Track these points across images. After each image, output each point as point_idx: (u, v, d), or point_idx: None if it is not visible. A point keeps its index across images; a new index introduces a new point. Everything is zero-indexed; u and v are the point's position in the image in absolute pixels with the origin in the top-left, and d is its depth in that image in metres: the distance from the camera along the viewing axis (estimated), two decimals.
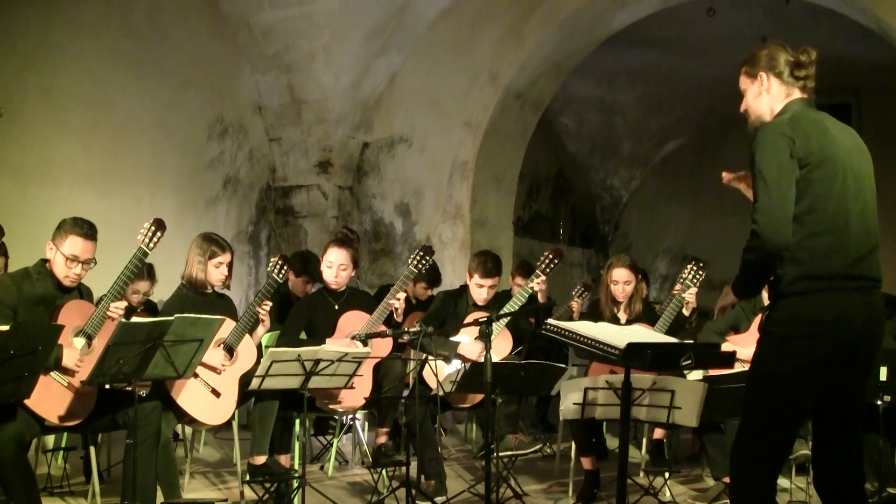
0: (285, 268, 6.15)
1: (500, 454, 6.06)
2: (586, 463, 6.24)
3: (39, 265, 5.22)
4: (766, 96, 3.93)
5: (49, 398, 4.94)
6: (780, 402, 3.67)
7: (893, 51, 8.90)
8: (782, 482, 6.40)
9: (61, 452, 6.54)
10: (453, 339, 6.54)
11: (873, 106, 13.17)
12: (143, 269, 6.57)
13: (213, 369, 5.70)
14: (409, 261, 6.58)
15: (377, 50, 9.83)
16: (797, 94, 3.90)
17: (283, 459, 6.07)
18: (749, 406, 3.78)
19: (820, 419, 3.85)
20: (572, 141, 14.51)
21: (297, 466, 6.20)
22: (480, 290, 6.71)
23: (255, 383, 5.47)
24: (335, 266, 6.51)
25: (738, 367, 5.33)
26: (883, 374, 5.45)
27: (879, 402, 5.47)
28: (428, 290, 8.55)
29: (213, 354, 5.66)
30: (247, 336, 5.90)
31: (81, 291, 5.36)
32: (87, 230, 5.18)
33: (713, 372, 5.76)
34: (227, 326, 5.74)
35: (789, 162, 3.63)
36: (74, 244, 5.13)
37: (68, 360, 4.97)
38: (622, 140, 14.52)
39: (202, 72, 9.39)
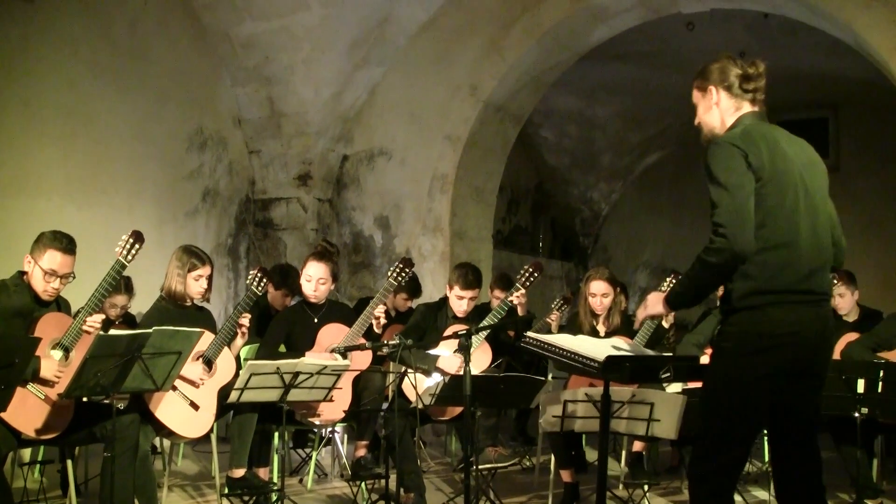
0: (264, 280, 6.14)
1: (480, 467, 6.06)
2: (565, 476, 6.25)
3: (17, 277, 5.19)
4: (717, 109, 3.95)
5: (26, 411, 4.91)
6: (735, 417, 3.68)
7: (871, 66, 8.96)
8: (761, 494, 6.44)
9: (38, 466, 6.50)
10: (433, 351, 6.54)
11: (851, 121, 13.25)
12: (120, 283, 6.54)
13: (192, 382, 5.68)
14: (389, 273, 6.58)
15: (357, 63, 9.84)
16: (747, 106, 3.92)
17: (262, 472, 6.06)
18: (704, 421, 3.78)
19: (776, 434, 3.87)
20: (552, 154, 14.54)
21: (275, 479, 6.18)
22: (461, 301, 6.71)
23: (233, 396, 5.46)
24: (314, 280, 6.50)
25: None
26: (860, 386, 5.47)
27: (857, 415, 5.48)
28: (408, 302, 8.56)
29: (192, 367, 5.64)
30: (226, 349, 5.89)
31: (59, 304, 5.33)
32: (67, 245, 5.15)
33: (692, 384, 5.78)
34: (206, 339, 5.72)
35: (746, 172, 3.65)
36: (53, 258, 5.10)
37: (46, 371, 4.94)
38: (602, 153, 14.56)
39: (182, 84, 9.38)
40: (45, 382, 4.96)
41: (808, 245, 3.71)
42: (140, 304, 7.23)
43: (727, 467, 3.71)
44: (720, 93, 3.93)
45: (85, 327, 5.08)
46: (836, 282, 6.70)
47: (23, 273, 5.18)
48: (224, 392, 5.74)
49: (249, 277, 6.13)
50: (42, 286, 5.12)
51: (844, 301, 7.27)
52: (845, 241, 4.01)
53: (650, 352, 4.88)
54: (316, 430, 7.09)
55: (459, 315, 6.74)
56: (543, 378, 6.15)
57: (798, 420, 3.81)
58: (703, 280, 3.72)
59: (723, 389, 3.71)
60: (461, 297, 6.70)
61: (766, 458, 6.38)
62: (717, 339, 3.80)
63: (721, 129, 3.91)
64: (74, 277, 5.22)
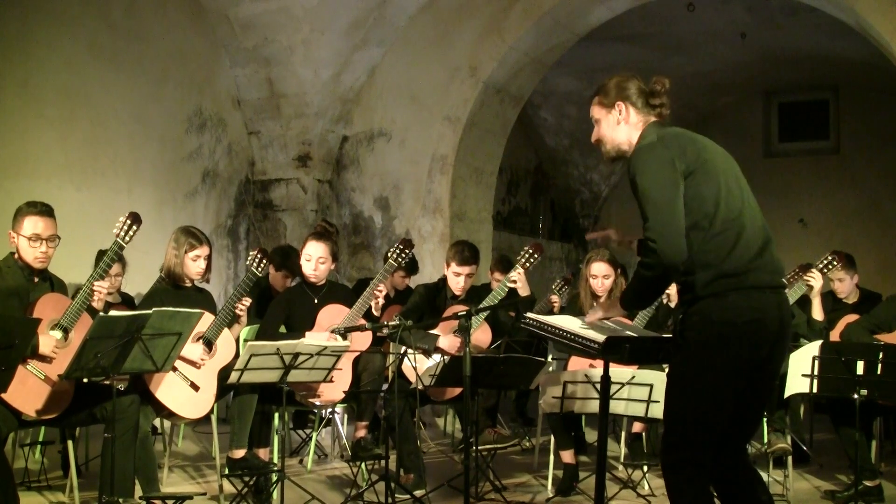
0: (264, 261, 6.14)
1: (479, 448, 6.07)
2: (565, 456, 6.26)
3: (9, 258, 5.21)
4: (625, 125, 3.98)
5: (26, 392, 4.91)
6: (702, 406, 3.66)
7: (872, 48, 8.94)
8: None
9: (39, 446, 6.52)
10: (432, 332, 6.54)
11: (851, 103, 13.20)
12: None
13: (192, 363, 5.69)
14: (389, 254, 6.58)
15: (356, 44, 9.81)
16: (653, 120, 3.96)
17: (262, 453, 6.06)
18: (671, 410, 3.77)
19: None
20: (552, 135, 14.52)
21: (276, 460, 6.19)
22: (458, 278, 6.69)
23: (234, 377, 5.46)
24: (314, 259, 6.49)
25: None
26: (860, 368, 5.47)
27: (856, 397, 5.48)
28: (406, 279, 8.56)
29: (192, 348, 5.64)
30: (226, 330, 5.89)
31: (53, 283, 5.33)
32: (42, 208, 5.20)
33: None
34: (206, 320, 5.73)
35: (673, 177, 3.68)
36: (33, 223, 5.13)
37: (45, 347, 4.95)
38: None
39: (181, 65, 9.35)
40: (45, 360, 4.96)
41: (751, 224, 3.75)
42: (139, 286, 7.23)
43: (699, 455, 3.68)
44: (628, 109, 3.97)
45: (94, 287, 5.13)
46: (835, 264, 6.70)
47: (13, 254, 5.19)
48: (224, 373, 5.74)
49: (249, 258, 6.13)
50: (31, 254, 5.13)
51: (844, 285, 7.27)
52: None
53: (650, 333, 4.88)
54: (316, 410, 7.10)
55: (457, 293, 6.73)
56: (543, 359, 6.15)
57: (747, 410, 3.79)
58: (645, 290, 3.82)
59: (688, 379, 3.70)
60: (458, 274, 6.68)
61: (765, 440, 6.39)
62: (680, 328, 3.78)
63: (629, 145, 3.96)
64: (60, 239, 5.22)
